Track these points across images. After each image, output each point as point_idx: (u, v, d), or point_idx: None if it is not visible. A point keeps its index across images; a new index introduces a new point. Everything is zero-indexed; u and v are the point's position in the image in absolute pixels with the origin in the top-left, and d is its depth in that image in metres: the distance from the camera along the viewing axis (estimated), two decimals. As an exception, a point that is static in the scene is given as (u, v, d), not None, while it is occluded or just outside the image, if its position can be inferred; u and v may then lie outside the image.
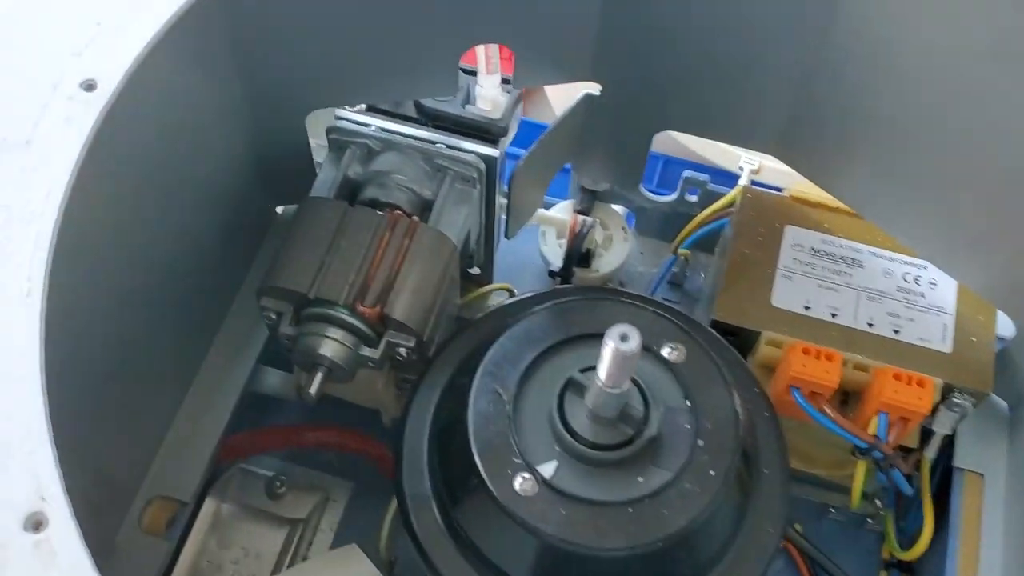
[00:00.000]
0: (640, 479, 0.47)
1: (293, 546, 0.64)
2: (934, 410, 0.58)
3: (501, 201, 0.65)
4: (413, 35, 0.55)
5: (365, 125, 0.60)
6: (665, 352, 0.50)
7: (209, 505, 0.64)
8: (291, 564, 0.64)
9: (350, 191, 0.59)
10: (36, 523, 0.34)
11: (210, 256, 0.59)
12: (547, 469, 0.47)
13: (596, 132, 0.66)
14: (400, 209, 0.58)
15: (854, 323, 0.60)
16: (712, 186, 0.73)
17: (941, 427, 0.59)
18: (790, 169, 0.63)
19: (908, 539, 0.64)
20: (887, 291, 0.61)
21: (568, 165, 0.72)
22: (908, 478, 0.59)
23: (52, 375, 0.37)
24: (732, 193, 0.68)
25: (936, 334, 0.60)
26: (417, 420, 0.52)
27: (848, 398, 0.61)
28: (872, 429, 0.57)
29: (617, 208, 0.76)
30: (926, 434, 0.61)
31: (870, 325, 0.60)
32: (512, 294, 0.69)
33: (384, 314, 0.54)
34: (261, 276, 0.56)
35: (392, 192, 0.58)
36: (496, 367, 0.50)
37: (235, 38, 0.52)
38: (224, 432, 0.61)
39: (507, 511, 0.46)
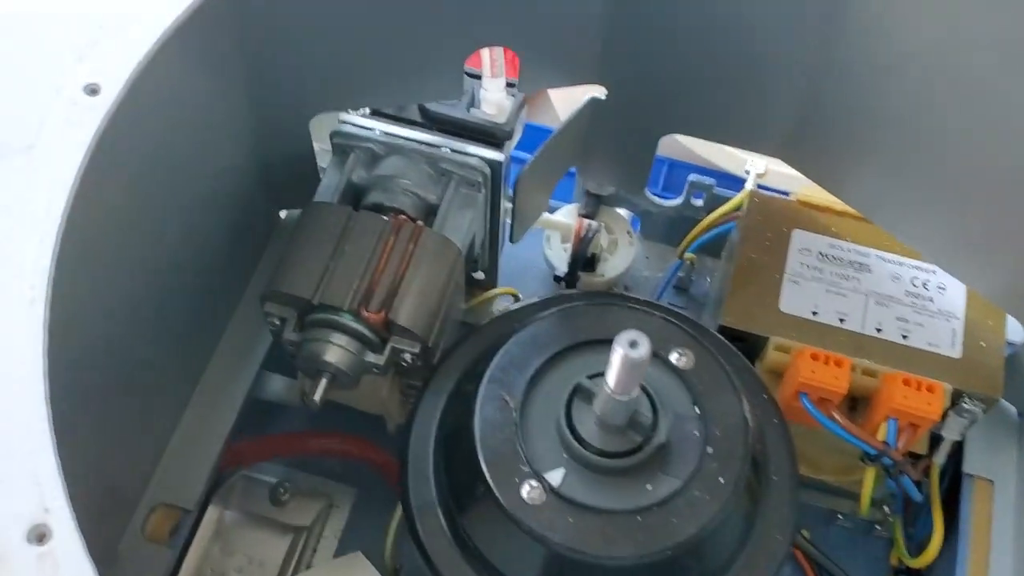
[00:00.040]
0: (649, 487, 0.46)
1: (297, 553, 0.64)
2: (943, 416, 0.57)
3: (506, 205, 0.65)
4: (418, 38, 0.55)
5: (369, 129, 0.60)
6: (673, 358, 0.50)
7: (212, 512, 0.63)
8: (295, 572, 0.64)
9: (354, 196, 0.59)
10: (39, 535, 0.33)
11: (214, 261, 0.59)
12: (555, 477, 0.46)
13: (601, 136, 0.66)
14: (404, 214, 0.57)
15: (862, 328, 0.60)
16: (718, 190, 0.72)
17: (950, 433, 0.59)
18: (796, 173, 0.63)
19: (917, 545, 0.64)
20: (895, 296, 0.61)
21: (573, 169, 0.72)
22: (917, 484, 0.59)
23: (55, 383, 0.37)
24: (739, 197, 0.68)
25: (945, 339, 0.59)
26: (423, 427, 0.52)
27: (856, 404, 0.60)
28: (881, 435, 0.57)
29: (622, 212, 0.75)
30: (935, 440, 0.60)
31: (878, 330, 0.60)
32: (517, 299, 0.69)
33: (389, 320, 0.53)
34: (265, 281, 0.55)
35: (396, 196, 0.58)
36: (503, 373, 0.49)
37: (238, 42, 0.52)
38: (227, 439, 0.60)
39: (514, 519, 0.45)
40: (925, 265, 0.62)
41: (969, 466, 0.61)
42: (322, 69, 0.56)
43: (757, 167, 0.73)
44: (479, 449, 0.47)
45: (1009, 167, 0.50)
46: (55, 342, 0.37)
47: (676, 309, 0.56)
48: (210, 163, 0.55)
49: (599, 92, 0.63)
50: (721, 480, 0.46)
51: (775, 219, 0.64)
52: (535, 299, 0.57)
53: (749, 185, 0.71)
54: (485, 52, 0.58)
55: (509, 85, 0.60)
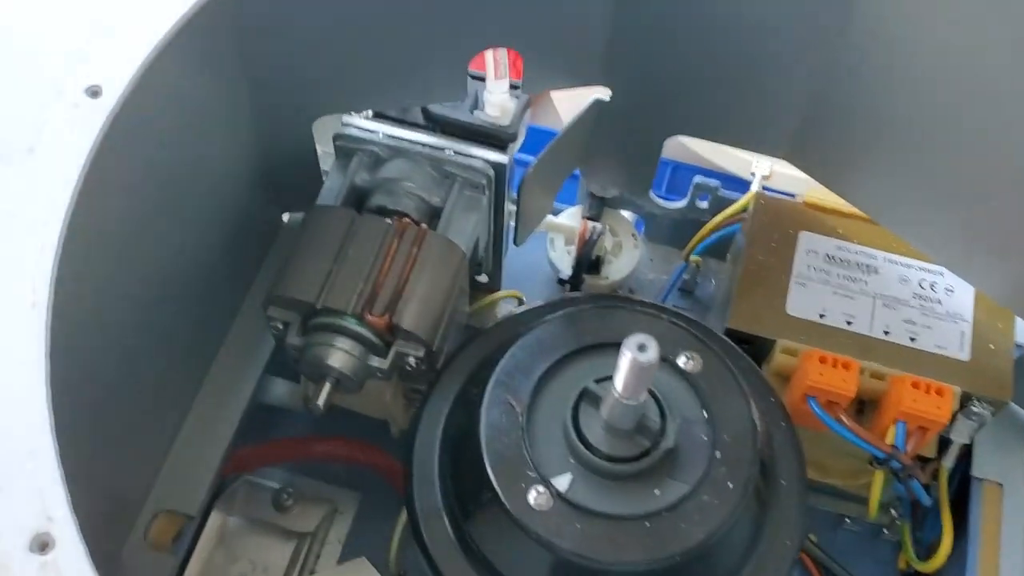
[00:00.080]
0: (657, 492, 0.46)
1: (301, 559, 0.63)
2: (952, 419, 0.57)
3: (509, 208, 0.64)
4: (420, 39, 0.55)
5: (372, 131, 0.60)
6: (681, 361, 0.49)
7: (215, 518, 0.63)
8: (299, 577, 0.63)
9: (357, 199, 0.59)
10: (42, 544, 0.33)
11: (216, 265, 0.58)
12: (562, 482, 0.46)
13: (606, 137, 0.65)
14: (408, 216, 0.57)
15: (870, 331, 0.59)
16: (723, 192, 0.72)
17: (959, 436, 0.59)
18: (801, 175, 0.62)
19: (925, 549, 0.63)
20: (903, 298, 0.61)
21: (576, 172, 0.71)
22: (926, 488, 0.58)
23: (57, 388, 0.36)
24: (744, 199, 0.67)
25: (953, 342, 0.59)
26: (428, 431, 0.52)
27: (863, 407, 0.60)
28: (890, 439, 0.57)
29: (626, 214, 0.75)
30: (943, 443, 0.60)
31: (886, 333, 0.59)
32: (521, 302, 0.69)
33: (393, 323, 0.53)
34: (267, 285, 0.55)
35: (400, 199, 0.58)
36: (508, 377, 0.49)
37: (240, 43, 0.52)
38: (230, 444, 0.60)
39: (521, 525, 0.45)
40: (933, 267, 0.61)
41: (978, 470, 0.61)
42: (324, 71, 0.56)
43: (762, 169, 0.72)
44: (485, 454, 0.46)
45: (1018, 167, 0.50)
46: (57, 347, 0.37)
47: (682, 312, 0.55)
48: (212, 165, 0.55)
49: (603, 93, 0.62)
50: (730, 485, 0.46)
51: (781, 221, 0.64)
52: (540, 302, 0.56)
53: (754, 187, 0.70)
54: (489, 53, 0.57)
55: (513, 87, 0.60)
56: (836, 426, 0.57)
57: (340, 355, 0.53)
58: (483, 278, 0.67)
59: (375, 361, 0.54)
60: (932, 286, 0.61)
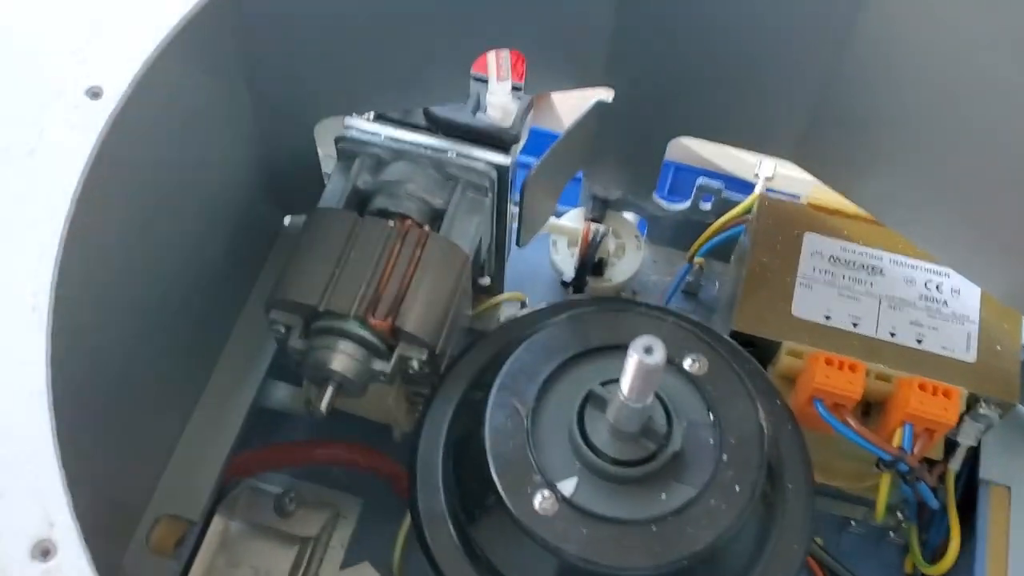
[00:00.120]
0: (663, 496, 0.46)
1: (304, 564, 0.63)
2: (959, 420, 0.57)
3: (512, 210, 0.64)
4: (422, 41, 0.54)
5: (374, 134, 0.59)
6: (687, 364, 0.49)
7: (217, 523, 0.62)
8: (301, 583, 0.63)
9: (360, 201, 0.58)
10: (44, 551, 0.33)
11: (217, 268, 0.58)
12: (567, 486, 0.45)
13: (608, 139, 0.65)
14: (410, 219, 0.57)
15: (876, 332, 0.59)
16: (727, 193, 0.72)
17: (966, 438, 0.58)
18: (805, 176, 0.62)
19: (931, 552, 0.63)
20: (909, 299, 0.60)
21: (579, 174, 0.71)
22: (933, 491, 0.58)
23: (58, 391, 0.36)
24: (749, 200, 0.67)
25: (960, 343, 0.59)
26: (431, 435, 0.51)
27: (869, 409, 0.60)
28: (896, 441, 0.56)
29: (629, 216, 0.75)
30: (950, 446, 0.60)
31: (892, 334, 0.59)
32: (524, 304, 0.68)
33: (396, 326, 0.53)
34: (269, 288, 0.55)
35: (402, 202, 0.57)
36: (513, 380, 0.48)
37: (241, 44, 0.51)
38: (232, 448, 0.59)
39: (526, 530, 0.44)
40: (939, 268, 0.61)
41: (985, 472, 0.61)
42: (325, 73, 0.55)
43: (766, 171, 0.72)
44: (489, 458, 0.46)
45: (1024, 168, 0.50)
46: (58, 349, 0.37)
47: (686, 314, 0.55)
48: (213, 167, 0.55)
49: (606, 94, 0.62)
50: (737, 488, 0.46)
51: (786, 223, 0.63)
52: (544, 305, 0.56)
53: (758, 188, 0.70)
54: (491, 55, 0.57)
55: (515, 88, 0.59)
56: (843, 428, 0.56)
57: (343, 359, 0.52)
58: (486, 281, 0.67)
59: (378, 364, 0.53)
60: (938, 287, 0.61)
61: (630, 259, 0.73)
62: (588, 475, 0.46)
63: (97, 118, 0.41)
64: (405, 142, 0.59)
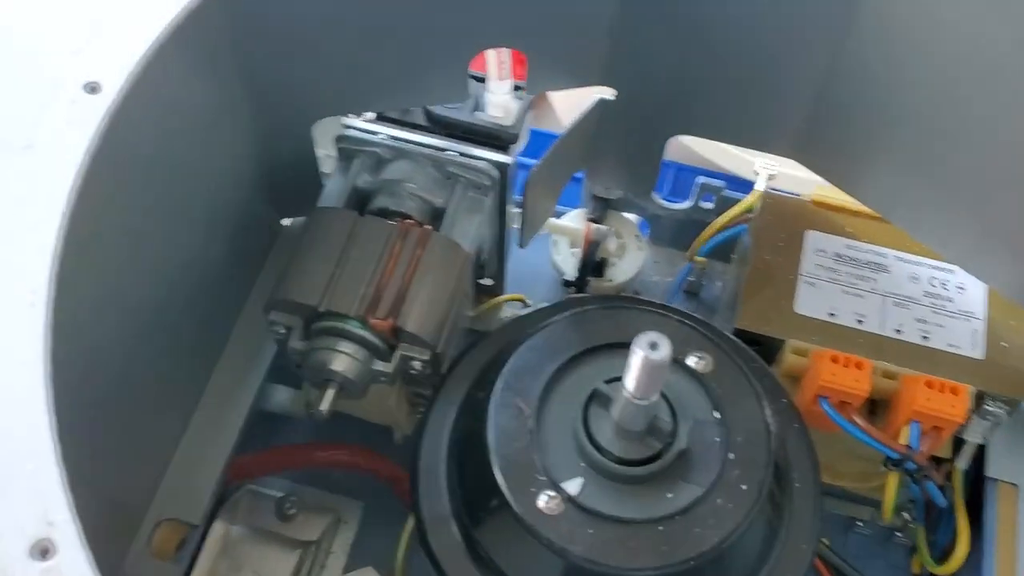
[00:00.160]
0: (670, 495, 0.45)
1: (305, 569, 0.62)
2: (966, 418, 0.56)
3: (513, 210, 0.63)
4: (421, 39, 0.54)
5: (374, 133, 0.59)
6: (691, 362, 0.48)
7: (218, 528, 0.62)
8: (303, 587, 0.62)
9: (360, 201, 0.58)
10: (43, 550, 0.32)
11: (215, 269, 0.57)
12: (572, 486, 0.45)
13: (609, 137, 0.65)
14: (411, 218, 0.56)
15: (881, 330, 0.59)
16: (728, 192, 0.71)
17: (973, 436, 0.58)
18: (806, 175, 0.62)
19: (939, 552, 0.62)
20: (914, 296, 0.60)
21: (579, 174, 0.70)
22: (941, 489, 0.57)
23: (58, 390, 0.36)
24: (750, 198, 0.66)
25: (966, 340, 0.58)
26: (434, 436, 0.51)
27: (875, 407, 0.59)
28: (903, 439, 0.56)
29: (630, 216, 0.74)
30: (957, 444, 0.59)
31: (897, 332, 0.58)
32: (525, 305, 0.68)
33: (397, 326, 0.52)
34: (268, 289, 0.54)
35: (403, 201, 0.57)
36: (516, 380, 0.48)
37: (239, 42, 0.51)
38: (232, 452, 0.59)
39: (531, 531, 0.44)
40: (944, 265, 0.61)
41: (992, 470, 0.60)
42: (323, 72, 0.55)
43: (768, 168, 0.72)
44: (493, 458, 0.46)
45: (1030, 162, 0.49)
46: (57, 346, 0.36)
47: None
48: (211, 166, 0.54)
49: (607, 93, 0.62)
50: (744, 487, 0.45)
51: (788, 220, 0.63)
52: (546, 304, 0.55)
53: (760, 187, 0.70)
54: (491, 54, 0.57)
55: (517, 88, 0.59)
56: (849, 427, 0.56)
57: (343, 359, 0.52)
58: (487, 281, 0.67)
59: (379, 365, 0.53)
60: (943, 284, 0.60)
61: (631, 259, 0.73)
62: (593, 475, 0.45)
63: (95, 113, 0.40)
64: (405, 141, 0.59)
